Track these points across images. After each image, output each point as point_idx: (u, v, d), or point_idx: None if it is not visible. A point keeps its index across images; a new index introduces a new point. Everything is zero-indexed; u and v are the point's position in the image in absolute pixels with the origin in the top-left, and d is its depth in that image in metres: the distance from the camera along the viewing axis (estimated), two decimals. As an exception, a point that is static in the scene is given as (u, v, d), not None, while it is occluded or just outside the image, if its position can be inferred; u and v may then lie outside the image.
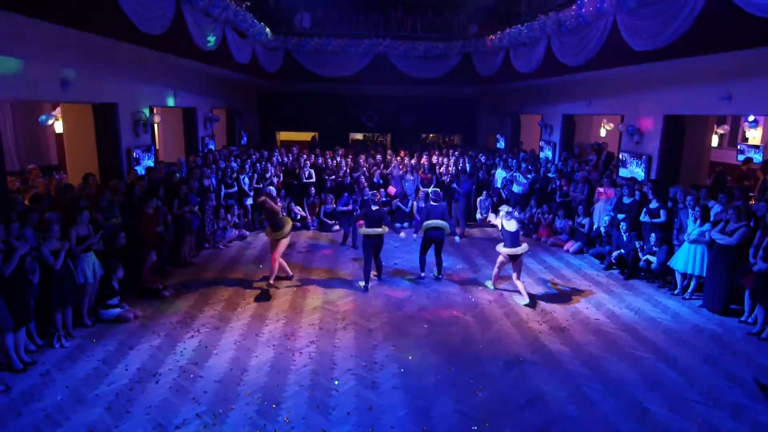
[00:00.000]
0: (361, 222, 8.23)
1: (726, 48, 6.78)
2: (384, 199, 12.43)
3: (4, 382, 5.05)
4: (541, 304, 7.54)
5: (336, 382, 5.26)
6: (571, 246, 10.42)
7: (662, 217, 8.41)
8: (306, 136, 21.24)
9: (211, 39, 10.13)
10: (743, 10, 5.90)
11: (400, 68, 15.93)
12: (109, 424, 4.50)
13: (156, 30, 7.75)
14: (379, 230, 7.89)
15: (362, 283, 8.01)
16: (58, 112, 9.80)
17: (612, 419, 4.70)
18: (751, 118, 14.11)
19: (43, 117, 9.70)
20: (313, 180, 12.63)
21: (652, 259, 8.36)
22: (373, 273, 8.23)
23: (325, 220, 11.91)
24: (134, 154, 9.68)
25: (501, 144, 18.60)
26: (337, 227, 11.72)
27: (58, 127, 10.22)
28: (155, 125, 11.36)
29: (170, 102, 11.71)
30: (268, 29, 14.06)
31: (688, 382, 5.36)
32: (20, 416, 4.60)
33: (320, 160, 13.40)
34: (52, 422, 4.52)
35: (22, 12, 5.48)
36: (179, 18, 8.71)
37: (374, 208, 8.06)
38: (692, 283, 7.79)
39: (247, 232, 11.27)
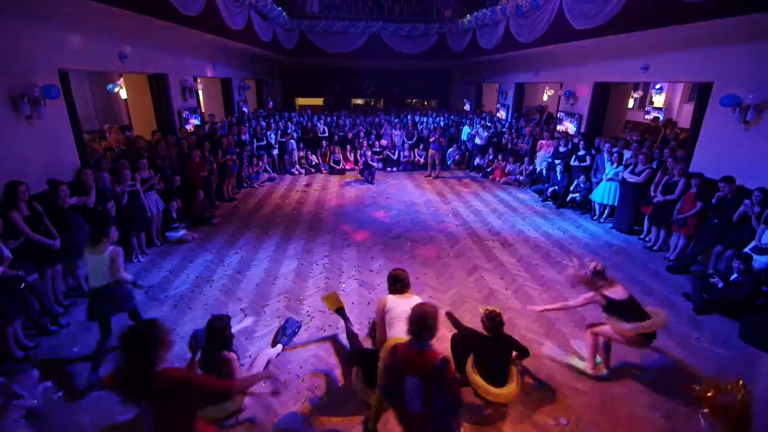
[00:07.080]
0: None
1: (648, 26, 6.24)
2: (378, 149, 12.06)
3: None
4: (495, 226, 7.47)
5: (343, 285, 5.25)
6: (518, 183, 10.26)
7: (587, 162, 8.20)
8: (318, 101, 20.36)
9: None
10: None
11: (390, 45, 14.93)
12: (176, 318, 4.49)
13: (192, 11, 7.02)
14: None
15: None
16: (122, 81, 9.16)
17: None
18: (658, 86, 13.50)
19: (110, 86, 9.10)
20: (327, 135, 12.17)
21: (575, 196, 8.23)
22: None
23: (334, 165, 11.58)
24: (184, 114, 9.14)
25: (467, 107, 17.90)
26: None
27: (123, 94, 9.63)
28: (199, 92, 10.68)
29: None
30: (285, 13, 12.96)
31: (600, 282, 5.38)
32: (110, 312, 4.56)
33: (330, 119, 12.88)
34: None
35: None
36: (212, 2, 7.92)
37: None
38: (606, 211, 7.72)
39: (276, 174, 10.97)
